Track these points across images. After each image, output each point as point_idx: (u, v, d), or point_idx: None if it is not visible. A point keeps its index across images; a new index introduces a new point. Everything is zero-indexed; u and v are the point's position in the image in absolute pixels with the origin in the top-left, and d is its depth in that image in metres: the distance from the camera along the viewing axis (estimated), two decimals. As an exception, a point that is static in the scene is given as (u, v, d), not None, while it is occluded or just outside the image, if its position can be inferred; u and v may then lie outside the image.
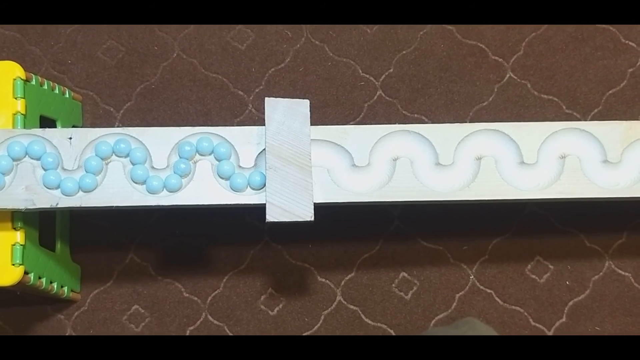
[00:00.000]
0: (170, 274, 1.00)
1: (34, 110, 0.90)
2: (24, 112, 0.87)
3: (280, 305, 0.99)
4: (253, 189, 0.82)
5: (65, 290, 0.95)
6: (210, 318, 0.99)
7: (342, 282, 1.00)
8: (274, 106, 0.84)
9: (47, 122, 0.94)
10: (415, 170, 0.84)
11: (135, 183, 0.82)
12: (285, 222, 0.80)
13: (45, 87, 0.94)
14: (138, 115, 1.06)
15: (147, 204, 0.82)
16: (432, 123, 1.04)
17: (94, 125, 1.05)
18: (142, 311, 0.99)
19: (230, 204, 0.82)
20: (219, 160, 0.83)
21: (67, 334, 0.98)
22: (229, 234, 1.01)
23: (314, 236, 1.00)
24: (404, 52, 1.08)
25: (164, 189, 0.82)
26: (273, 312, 0.99)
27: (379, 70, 1.07)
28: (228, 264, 1.00)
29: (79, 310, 0.99)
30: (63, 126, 0.97)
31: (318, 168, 0.83)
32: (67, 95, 1.00)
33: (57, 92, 0.97)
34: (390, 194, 0.83)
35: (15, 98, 0.87)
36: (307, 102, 0.84)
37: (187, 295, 0.99)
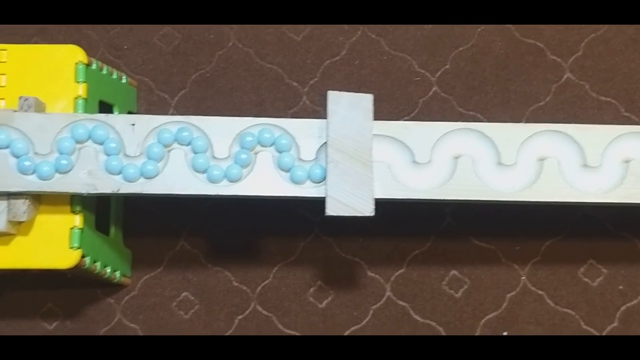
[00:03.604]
0: (220, 263, 1.00)
1: (94, 95, 0.90)
2: (85, 97, 0.87)
3: (329, 298, 0.99)
4: (313, 182, 0.82)
5: (117, 275, 0.96)
6: (259, 308, 0.99)
7: (392, 278, 0.99)
8: (337, 100, 0.83)
9: (104, 107, 0.94)
10: (476, 169, 0.83)
11: (196, 172, 0.82)
12: (344, 216, 0.80)
13: (104, 71, 0.94)
14: (192, 103, 1.06)
15: (208, 193, 0.82)
16: (488, 121, 1.04)
17: (148, 111, 1.06)
18: (192, 298, 0.99)
19: (289, 196, 0.82)
20: (279, 152, 0.83)
21: (116, 318, 0.99)
22: (279, 225, 1.01)
23: (365, 230, 1.00)
24: (460, 48, 1.07)
25: (225, 179, 0.82)
26: (322, 305, 0.99)
27: (435, 66, 1.07)
28: (278, 255, 1.00)
29: (129, 294, 1.00)
30: (120, 112, 0.97)
31: (379, 163, 0.83)
32: (123, 81, 1.00)
33: (115, 77, 0.97)
34: (451, 192, 0.82)
35: (77, 82, 0.87)
36: (370, 96, 0.84)
37: (237, 284, 1.00)
